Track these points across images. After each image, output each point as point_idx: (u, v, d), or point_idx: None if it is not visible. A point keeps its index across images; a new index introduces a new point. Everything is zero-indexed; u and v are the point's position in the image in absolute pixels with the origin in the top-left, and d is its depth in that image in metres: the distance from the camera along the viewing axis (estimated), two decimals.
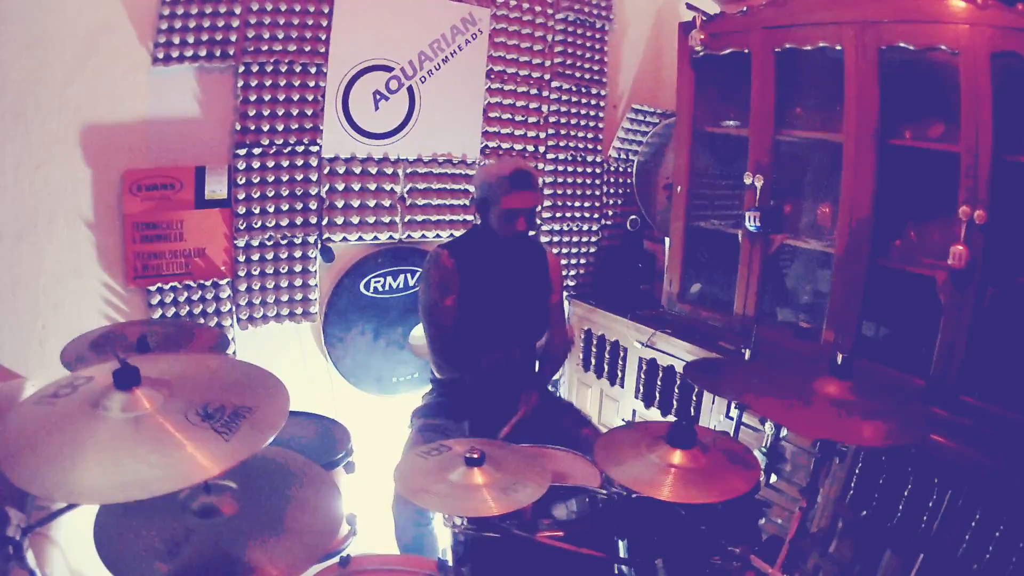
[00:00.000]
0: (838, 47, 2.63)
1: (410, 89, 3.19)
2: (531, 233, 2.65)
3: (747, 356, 2.72)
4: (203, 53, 2.71)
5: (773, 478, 2.70)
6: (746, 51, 2.98)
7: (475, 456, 1.74)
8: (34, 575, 1.55)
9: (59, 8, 2.47)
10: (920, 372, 2.53)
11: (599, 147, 3.85)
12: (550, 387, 3.40)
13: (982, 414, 2.36)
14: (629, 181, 3.94)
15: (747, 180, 2.98)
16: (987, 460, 2.23)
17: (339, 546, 2.06)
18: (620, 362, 3.50)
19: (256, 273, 2.99)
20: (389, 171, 3.22)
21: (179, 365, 1.52)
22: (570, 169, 3.77)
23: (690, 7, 3.10)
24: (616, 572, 2.00)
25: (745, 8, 2.99)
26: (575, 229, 3.86)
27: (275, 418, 1.37)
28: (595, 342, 3.66)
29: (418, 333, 3.38)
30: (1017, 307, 2.36)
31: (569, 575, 1.89)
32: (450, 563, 1.84)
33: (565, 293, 3.81)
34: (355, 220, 3.16)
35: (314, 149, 3.01)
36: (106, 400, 1.28)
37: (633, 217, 3.73)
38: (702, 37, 3.07)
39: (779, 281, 3.21)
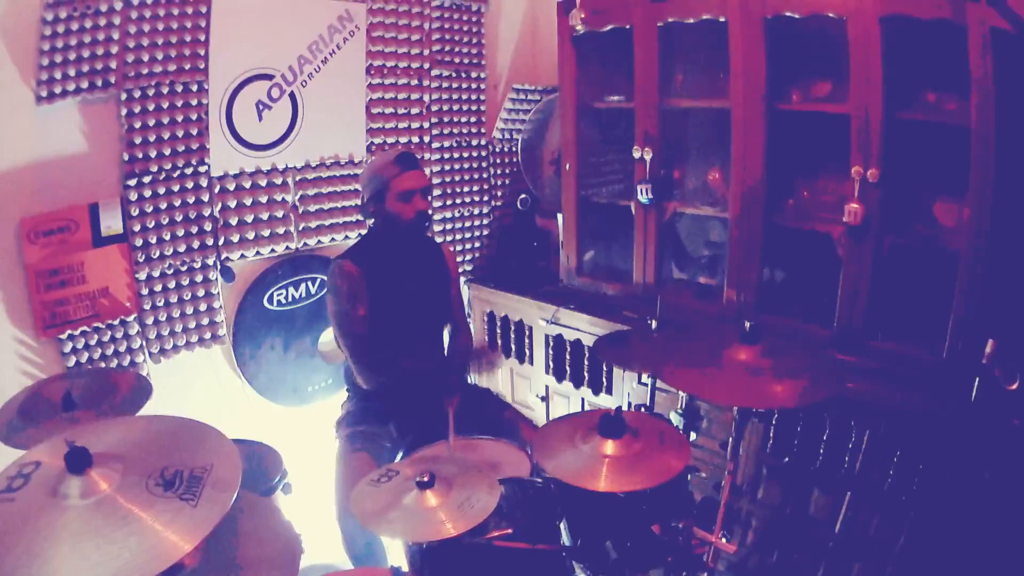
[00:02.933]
0: (722, 19, 3.00)
1: (292, 95, 3.51)
2: (429, 219, 3.01)
3: (654, 326, 3.26)
4: (85, 85, 2.89)
5: (693, 436, 3.20)
6: (628, 27, 3.38)
7: (425, 479, 1.95)
8: None
9: None
10: (825, 322, 3.00)
11: (483, 130, 4.32)
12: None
13: (890, 355, 2.82)
14: (515, 160, 4.44)
15: (636, 154, 3.44)
16: (900, 397, 2.67)
17: None
18: (527, 340, 4.04)
19: (161, 304, 3.26)
20: (279, 181, 3.54)
21: (120, 431, 1.65)
22: (456, 155, 4.22)
23: None
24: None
25: None
26: (467, 214, 4.36)
27: (231, 474, 1.51)
28: (499, 323, 4.19)
29: (326, 339, 3.77)
30: (916, 252, 2.80)
31: (524, 566, 2.15)
32: (404, 569, 2.11)
33: (464, 278, 4.31)
34: (251, 235, 3.47)
35: (203, 169, 3.28)
36: (63, 487, 1.38)
37: (523, 196, 4.24)
38: (583, 16, 3.47)
39: (676, 246, 3.74)
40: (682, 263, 3.78)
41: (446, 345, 3.30)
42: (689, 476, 3.01)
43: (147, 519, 1.37)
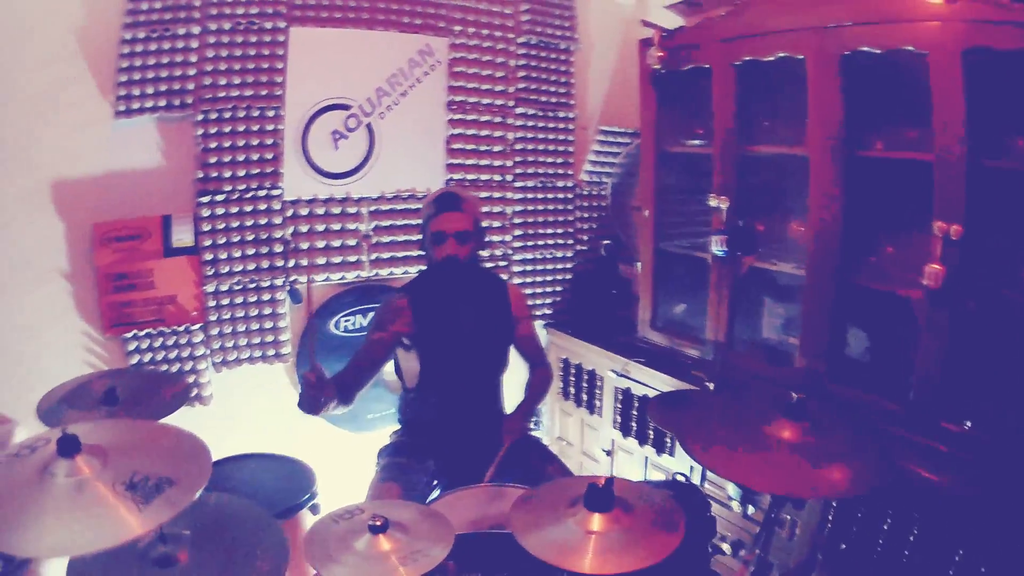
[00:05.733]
0: (799, 56, 2.90)
1: (369, 126, 3.74)
2: (484, 261, 3.02)
3: (712, 388, 3.09)
4: (162, 103, 3.25)
5: (751, 510, 3.04)
6: (706, 66, 3.32)
7: (378, 524, 1.95)
8: None
9: (19, 64, 2.99)
10: (898, 397, 2.78)
11: (570, 171, 4.38)
12: (532, 420, 3.86)
13: (963, 439, 2.58)
14: (604, 204, 4.46)
15: (712, 202, 3.34)
16: (967, 491, 2.44)
17: None
18: (597, 391, 4.01)
19: (227, 317, 3.53)
20: (352, 210, 3.75)
21: (124, 431, 1.92)
22: (540, 196, 4.30)
23: (646, 24, 3.48)
24: None
25: (699, 20, 3.34)
26: (548, 256, 4.41)
27: (188, 494, 1.70)
28: (573, 371, 4.19)
29: (389, 369, 3.88)
30: (1002, 322, 2.55)
31: None
32: None
33: (542, 322, 4.35)
34: (321, 261, 3.70)
35: (276, 193, 3.54)
36: (53, 466, 1.65)
37: (607, 242, 4.26)
38: (660, 54, 3.43)
39: (751, 305, 3.57)
40: (757, 327, 3.60)
41: (502, 391, 3.26)
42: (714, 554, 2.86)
43: (107, 507, 1.60)
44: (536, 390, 3.24)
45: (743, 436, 2.22)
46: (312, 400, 2.58)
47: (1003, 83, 2.43)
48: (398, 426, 3.27)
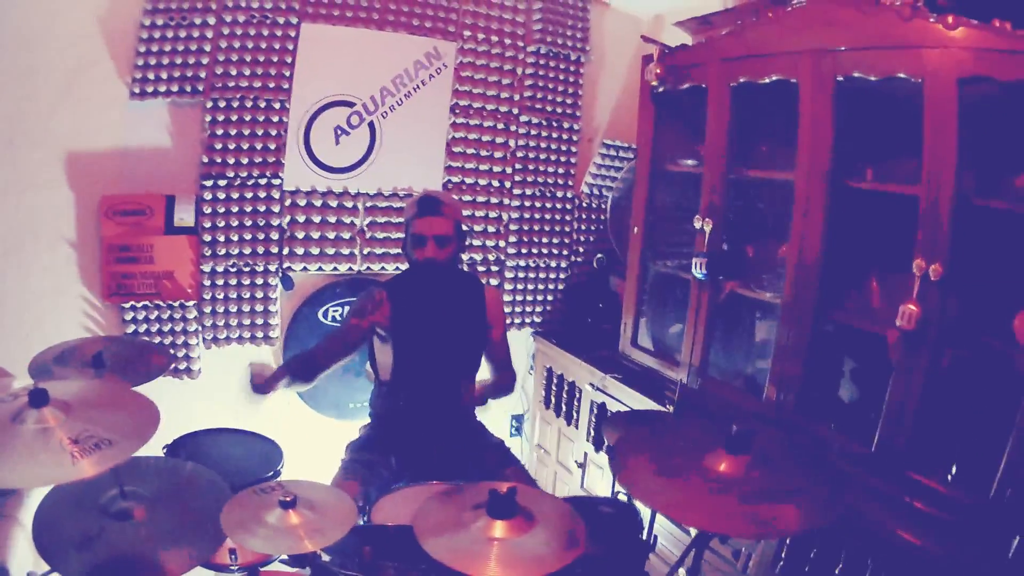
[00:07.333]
0: (793, 80, 2.90)
1: (371, 124, 3.95)
2: (464, 263, 3.14)
3: (671, 411, 3.18)
4: (175, 88, 3.51)
5: None
6: (703, 86, 3.35)
7: (287, 500, 2.14)
8: None
9: (44, 43, 3.28)
10: (865, 439, 2.72)
11: (571, 182, 4.52)
12: (513, 426, 3.99)
13: (926, 491, 2.52)
14: (603, 218, 4.59)
15: (696, 224, 3.39)
16: (923, 543, 2.45)
17: None
18: (575, 403, 4.15)
19: (220, 297, 3.78)
20: (349, 204, 3.97)
21: (93, 391, 2.22)
22: (538, 204, 4.44)
23: (646, 39, 3.56)
24: None
25: (704, 39, 3.41)
26: (542, 265, 4.55)
27: (119, 456, 1.94)
28: (555, 381, 4.34)
29: None
30: (981, 371, 2.48)
31: None
32: None
33: (530, 329, 4.51)
34: (315, 251, 3.92)
35: (276, 182, 3.77)
36: (24, 413, 1.95)
37: (599, 255, 4.39)
38: (658, 71, 3.49)
39: (737, 332, 3.63)
40: (741, 351, 3.65)
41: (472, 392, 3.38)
42: None
43: (53, 454, 1.88)
44: (496, 385, 3.39)
45: (680, 464, 2.23)
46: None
47: (1002, 117, 2.39)
48: (369, 419, 3.42)
